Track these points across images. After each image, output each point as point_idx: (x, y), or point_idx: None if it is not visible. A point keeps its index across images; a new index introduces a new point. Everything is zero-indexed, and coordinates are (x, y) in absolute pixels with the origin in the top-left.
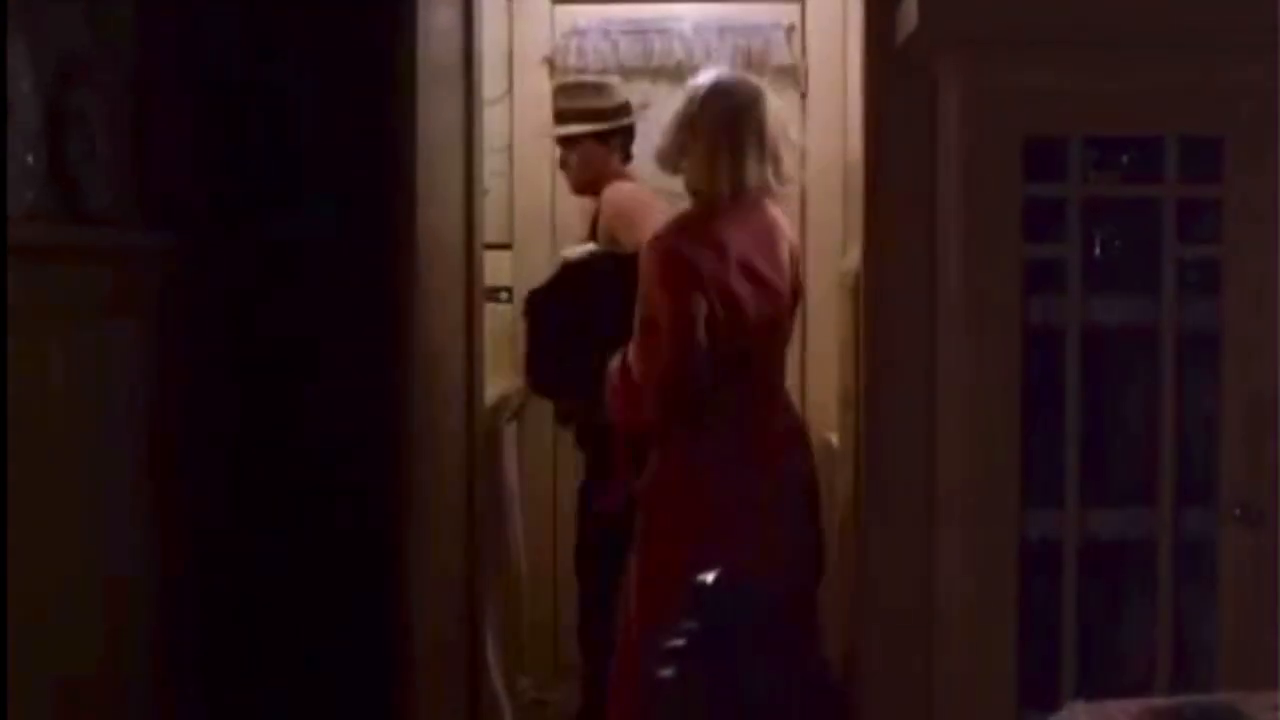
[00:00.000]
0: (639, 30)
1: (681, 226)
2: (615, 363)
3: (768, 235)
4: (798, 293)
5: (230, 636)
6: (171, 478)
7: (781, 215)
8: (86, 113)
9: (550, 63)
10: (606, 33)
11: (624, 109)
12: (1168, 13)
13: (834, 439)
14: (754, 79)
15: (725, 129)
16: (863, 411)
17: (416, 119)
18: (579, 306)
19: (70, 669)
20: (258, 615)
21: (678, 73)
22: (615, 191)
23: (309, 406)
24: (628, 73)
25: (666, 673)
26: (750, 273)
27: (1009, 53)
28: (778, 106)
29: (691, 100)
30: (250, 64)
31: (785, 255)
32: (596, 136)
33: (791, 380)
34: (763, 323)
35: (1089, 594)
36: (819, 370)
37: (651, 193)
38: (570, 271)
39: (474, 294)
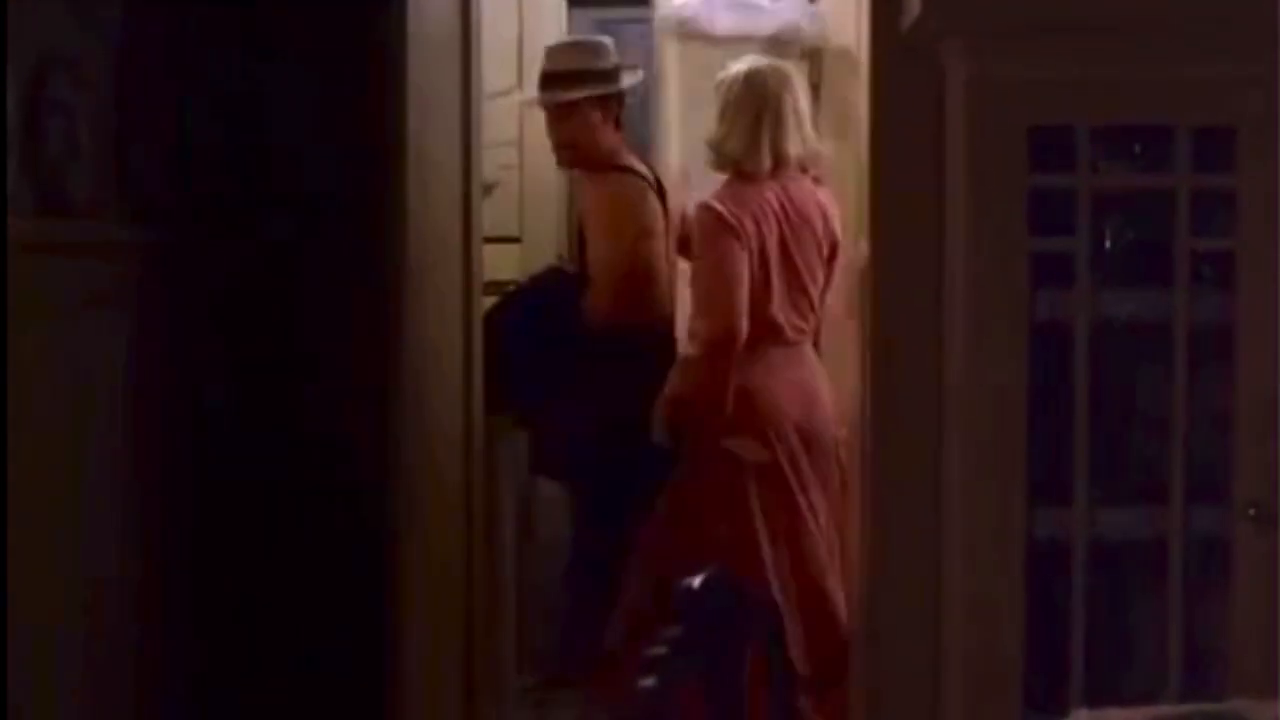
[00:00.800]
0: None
1: (726, 195)
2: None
3: (802, 205)
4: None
5: (217, 639)
6: (157, 477)
7: (816, 188)
8: (68, 105)
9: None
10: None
11: (618, 72)
12: (1177, 1)
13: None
14: (783, 63)
15: (766, 108)
16: (867, 407)
17: (407, 112)
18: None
19: (50, 671)
20: (245, 617)
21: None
22: (609, 184)
23: (297, 404)
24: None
25: (647, 682)
26: (782, 242)
27: (1013, 39)
28: (804, 88)
29: (731, 87)
30: (237, 57)
31: (820, 227)
32: (594, 102)
33: None
34: (789, 288)
35: (1097, 595)
36: (832, 363)
37: (642, 191)
38: (518, 289)
39: (472, 289)
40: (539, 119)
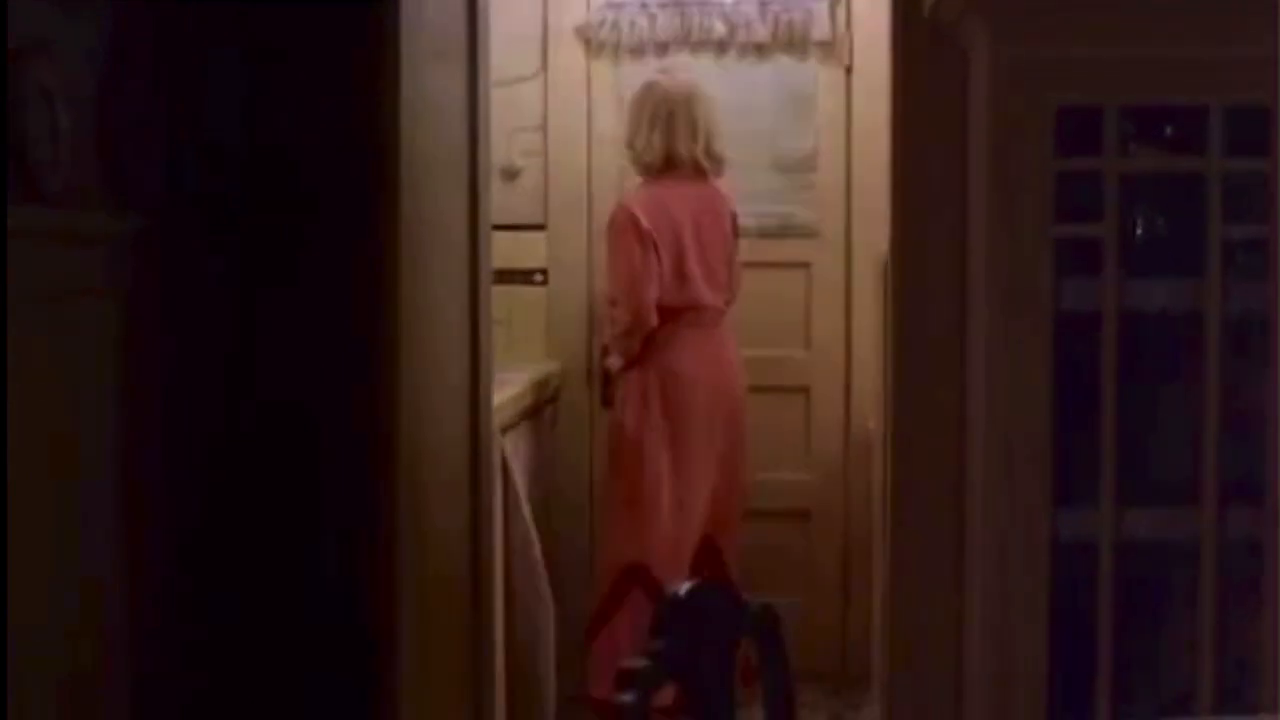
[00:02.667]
0: (677, 4)
1: (634, 199)
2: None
3: (709, 202)
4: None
5: (213, 642)
6: (146, 475)
7: (723, 188)
8: (48, 89)
9: (585, 37)
10: (644, 6)
11: None
12: None
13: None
14: (687, 78)
15: (659, 112)
16: (889, 404)
17: (400, 96)
18: None
19: (36, 670)
20: (234, 615)
21: (719, 47)
22: None
23: (289, 401)
24: (664, 48)
25: (626, 698)
26: (696, 234)
27: (1039, 16)
28: (710, 100)
29: (635, 95)
30: (228, 44)
31: (728, 222)
32: None
33: (835, 368)
34: (706, 274)
35: (1126, 600)
36: (866, 359)
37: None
38: None
39: (479, 278)
40: (563, 103)
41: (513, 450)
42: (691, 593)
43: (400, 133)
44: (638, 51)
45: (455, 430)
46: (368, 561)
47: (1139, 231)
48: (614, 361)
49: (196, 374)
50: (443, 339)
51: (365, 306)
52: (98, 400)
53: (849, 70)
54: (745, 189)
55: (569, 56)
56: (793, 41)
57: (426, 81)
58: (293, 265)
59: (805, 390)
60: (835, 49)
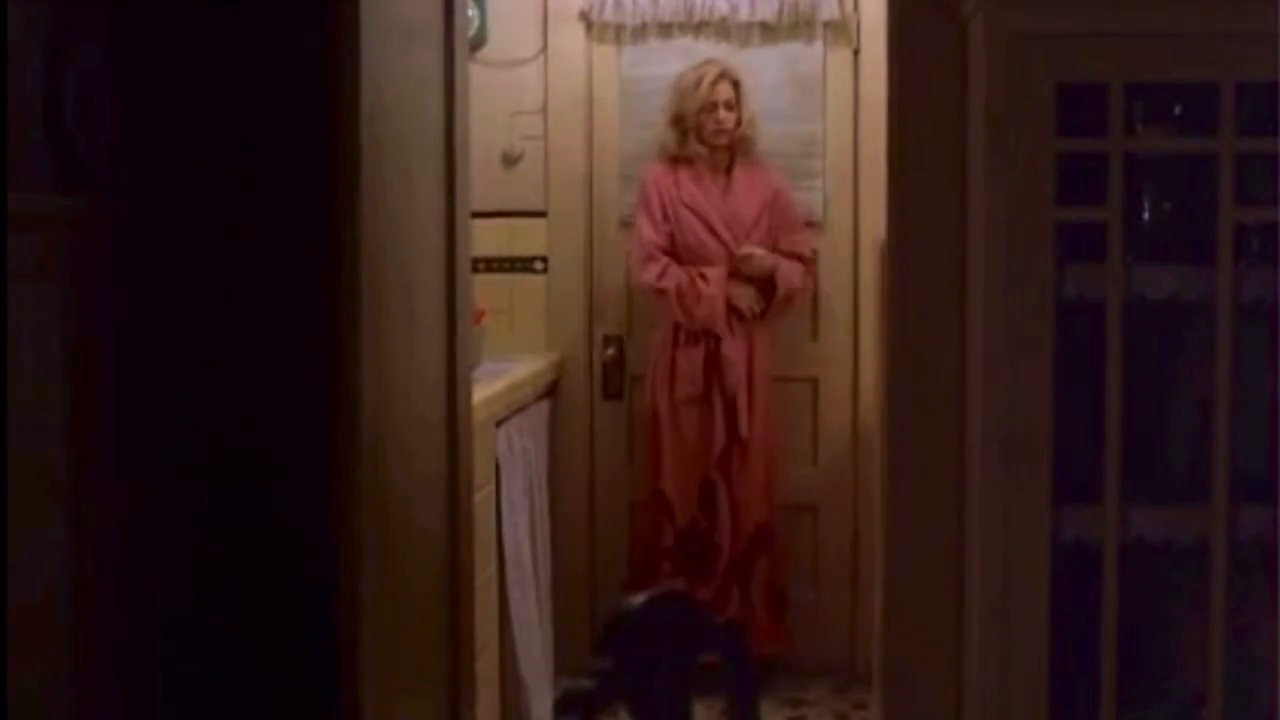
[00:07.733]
0: None
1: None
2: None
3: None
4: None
5: (160, 649)
6: (93, 466)
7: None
8: None
9: (586, 18)
10: None
11: None
12: None
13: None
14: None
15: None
16: (886, 395)
17: (360, 76)
18: None
19: None
20: (191, 624)
21: (722, 28)
22: None
23: (243, 392)
24: (667, 29)
25: None
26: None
27: None
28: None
29: None
30: (181, 23)
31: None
32: None
33: (843, 359)
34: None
35: (1132, 603)
36: (873, 349)
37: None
38: None
39: (456, 266)
40: (564, 85)
41: (506, 445)
42: (647, 605)
43: (360, 112)
44: (640, 33)
45: (432, 426)
46: (329, 558)
47: (1146, 215)
48: None
49: (145, 361)
50: (418, 327)
51: (322, 291)
52: (44, 388)
53: (856, 53)
54: None
55: (570, 38)
56: (798, 23)
57: (395, 62)
58: (246, 250)
59: (814, 381)
60: (843, 30)
